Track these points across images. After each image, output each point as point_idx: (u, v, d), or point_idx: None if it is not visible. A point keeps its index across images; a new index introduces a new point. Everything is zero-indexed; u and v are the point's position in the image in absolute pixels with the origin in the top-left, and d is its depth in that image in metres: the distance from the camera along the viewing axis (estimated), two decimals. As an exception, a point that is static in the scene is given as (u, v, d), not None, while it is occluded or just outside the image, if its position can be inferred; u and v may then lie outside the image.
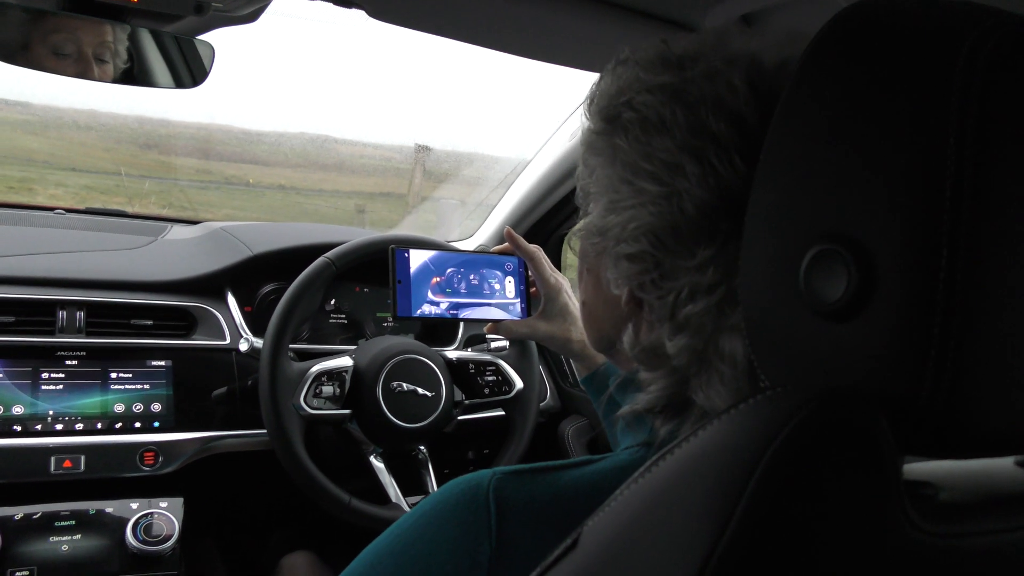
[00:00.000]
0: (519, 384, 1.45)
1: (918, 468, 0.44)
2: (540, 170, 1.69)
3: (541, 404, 1.61)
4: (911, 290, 0.35)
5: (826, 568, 0.35)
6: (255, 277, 1.48)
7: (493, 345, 1.53)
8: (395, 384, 1.32)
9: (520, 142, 1.82)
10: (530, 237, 1.78)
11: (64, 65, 1.18)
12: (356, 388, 1.32)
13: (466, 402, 1.42)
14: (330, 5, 0.96)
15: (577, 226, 0.63)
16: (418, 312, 1.11)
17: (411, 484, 1.38)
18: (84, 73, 1.20)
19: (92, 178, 6.15)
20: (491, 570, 0.55)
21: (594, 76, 0.60)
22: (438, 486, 1.39)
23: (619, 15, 0.90)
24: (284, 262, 1.44)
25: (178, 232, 1.64)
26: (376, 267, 1.12)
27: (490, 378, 1.44)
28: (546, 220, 1.75)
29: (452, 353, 1.45)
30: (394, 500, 1.33)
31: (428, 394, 1.35)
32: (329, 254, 1.32)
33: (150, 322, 1.34)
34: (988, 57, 0.34)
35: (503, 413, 1.47)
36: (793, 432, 0.36)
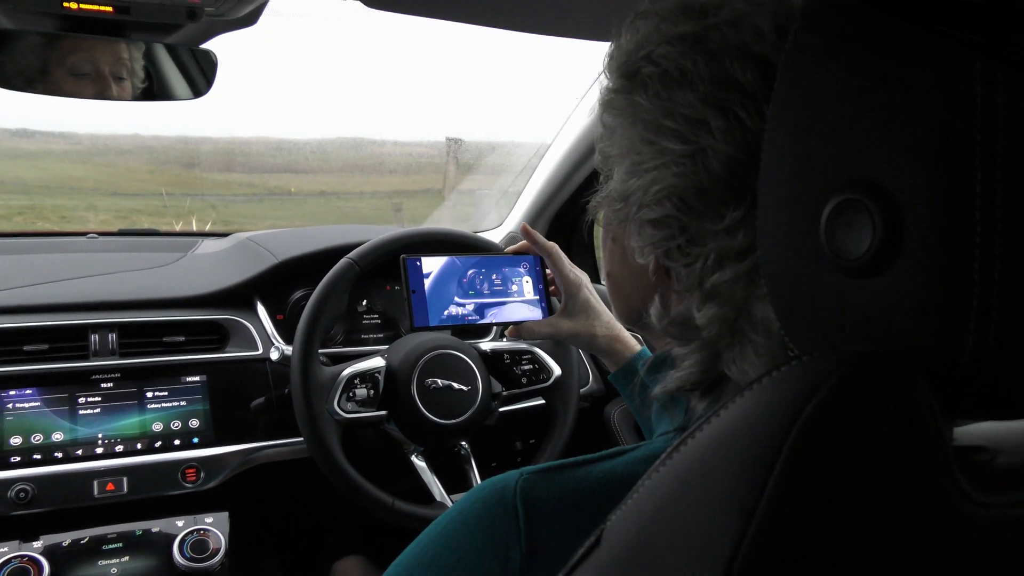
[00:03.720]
0: (557, 371, 1.41)
1: (969, 432, 0.40)
2: (561, 151, 1.66)
3: (583, 389, 1.57)
4: (945, 238, 0.32)
5: (868, 551, 0.32)
6: (283, 284, 1.47)
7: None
8: (430, 381, 1.30)
9: (542, 127, 1.79)
10: (559, 221, 1.75)
11: (82, 86, 1.20)
12: (390, 388, 1.30)
13: (504, 393, 1.39)
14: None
15: (600, 193, 0.59)
16: (440, 319, 1.11)
17: (455, 481, 1.36)
18: (103, 92, 1.22)
19: (137, 201, 6.30)
20: (524, 573, 0.53)
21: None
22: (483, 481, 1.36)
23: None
24: (310, 266, 1.42)
25: (207, 246, 1.64)
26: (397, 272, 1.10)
27: (527, 367, 1.41)
28: (573, 201, 1.71)
29: (486, 345, 1.42)
30: (439, 499, 1.31)
31: (464, 388, 1.32)
32: (351, 254, 1.30)
33: (182, 338, 1.34)
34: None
35: (544, 402, 1.43)
36: (822, 403, 0.33)
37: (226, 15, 1.02)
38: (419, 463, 1.33)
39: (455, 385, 1.32)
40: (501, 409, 1.40)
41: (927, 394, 0.33)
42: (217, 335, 1.38)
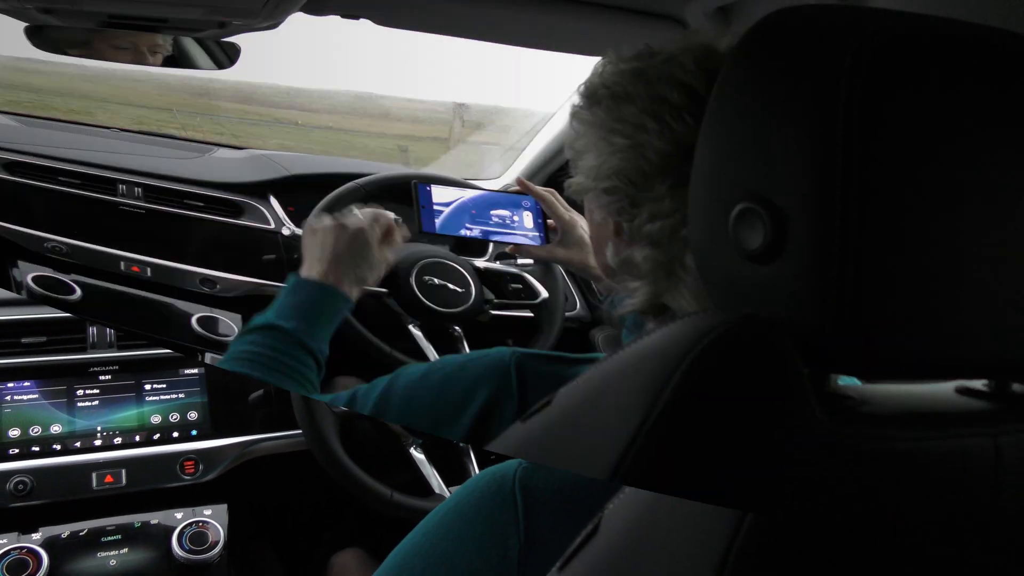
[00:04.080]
0: (544, 293, 1.52)
1: (854, 387, 0.50)
2: (561, 123, 1.77)
3: (570, 313, 1.69)
4: (815, 241, 0.42)
5: (736, 450, 0.42)
6: (295, 190, 1.58)
7: (519, 262, 1.58)
8: (427, 278, 1.39)
9: (548, 100, 1.93)
10: (554, 180, 1.81)
11: (122, 54, 1.35)
12: (391, 279, 1.36)
13: (495, 301, 1.49)
14: (338, 18, 1.04)
15: (573, 178, 0.75)
16: (450, 231, 1.21)
17: (454, 474, 1.37)
18: (139, 60, 1.37)
19: (147, 112, 6.27)
20: (521, 565, 0.56)
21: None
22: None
23: (606, 12, 1.02)
24: (320, 183, 1.49)
25: (225, 153, 1.75)
26: (406, 196, 1.22)
27: (516, 286, 1.53)
28: (566, 167, 1.76)
29: (480, 262, 1.53)
30: (437, 491, 1.31)
31: (459, 290, 1.42)
32: (359, 180, 1.40)
33: (201, 204, 1.46)
34: (872, 55, 0.41)
35: (532, 315, 1.53)
36: (711, 343, 0.43)
37: (251, 26, 1.07)
38: (417, 455, 1.33)
39: (450, 285, 1.42)
40: (492, 312, 1.50)
41: (790, 347, 0.44)
42: (233, 209, 1.50)
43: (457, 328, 1.45)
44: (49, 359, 1.23)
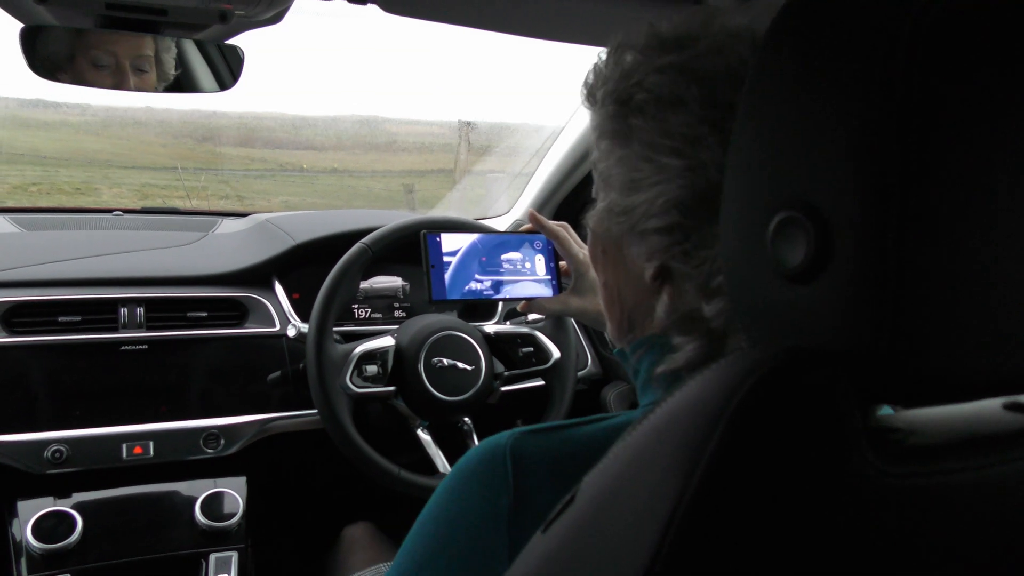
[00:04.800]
0: (556, 354, 1.49)
1: (896, 417, 0.46)
2: (570, 140, 1.72)
3: (581, 372, 1.65)
4: (864, 252, 0.37)
5: (789, 515, 0.38)
6: (300, 265, 1.54)
7: (531, 318, 1.57)
8: (436, 360, 1.38)
9: (556, 111, 1.83)
10: (565, 207, 1.81)
11: (102, 77, 1.26)
12: (399, 366, 1.38)
13: (506, 373, 1.47)
14: (344, 2, 1.00)
15: (597, 208, 0.64)
16: (459, 293, 1.15)
17: (458, 454, 1.44)
18: (120, 84, 1.28)
19: (151, 175, 6.35)
20: (510, 520, 0.59)
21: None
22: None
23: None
24: (326, 249, 1.50)
25: (228, 226, 1.72)
26: (415, 249, 1.17)
27: (527, 349, 1.49)
28: (580, 189, 1.77)
29: (490, 327, 1.50)
30: (442, 470, 1.39)
31: (468, 368, 1.40)
32: (365, 239, 1.38)
33: (205, 314, 1.42)
34: (929, 33, 0.36)
35: (543, 383, 1.51)
36: (752, 389, 0.39)
37: (254, 17, 1.08)
38: (424, 436, 1.41)
39: (460, 365, 1.40)
40: (502, 388, 1.48)
41: (843, 384, 0.39)
42: (237, 312, 1.47)
43: (467, 421, 1.45)
44: (83, 337, 1.31)
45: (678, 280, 0.60)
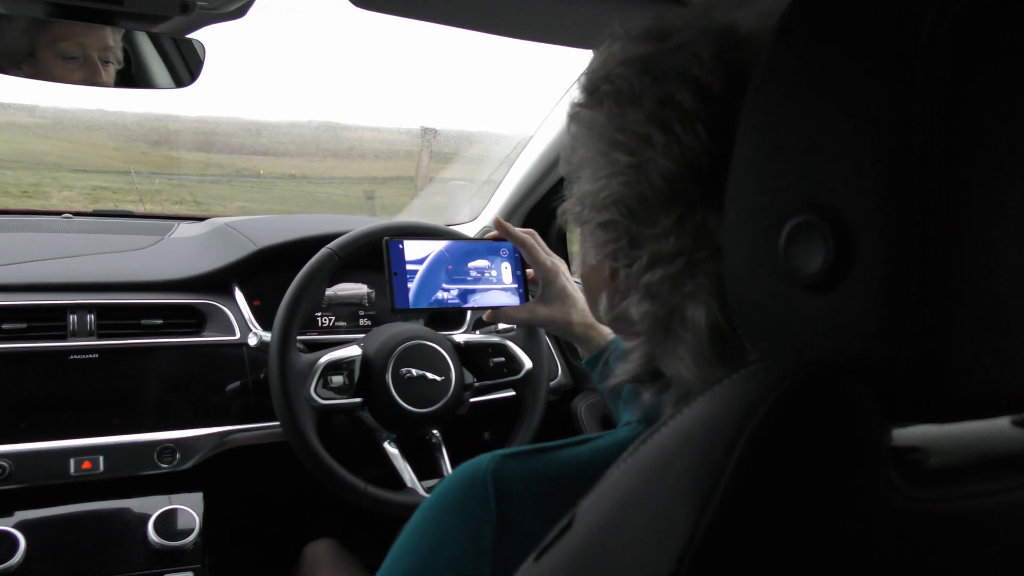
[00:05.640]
0: (528, 364, 1.45)
1: (909, 433, 0.44)
2: (540, 147, 1.69)
3: (552, 382, 1.62)
4: (888, 259, 0.35)
5: (811, 540, 0.36)
6: (261, 271, 1.48)
7: (501, 326, 1.53)
8: (404, 370, 1.33)
9: (524, 119, 1.82)
10: (535, 215, 1.78)
11: (71, 70, 1.21)
12: (366, 376, 1.33)
13: (476, 384, 1.43)
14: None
15: (566, 199, 0.63)
16: (425, 303, 1.12)
17: (426, 468, 1.40)
18: (91, 78, 1.22)
19: (103, 178, 6.20)
20: (494, 553, 0.56)
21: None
22: (452, 468, 1.40)
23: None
24: (289, 254, 1.44)
25: (185, 230, 1.65)
26: (381, 255, 1.13)
27: (499, 359, 1.45)
28: (549, 197, 1.74)
29: (460, 337, 1.45)
30: (409, 485, 1.34)
31: (438, 378, 1.36)
32: (331, 244, 1.33)
33: (160, 321, 1.36)
34: (953, 23, 0.34)
35: (514, 393, 1.47)
36: (772, 408, 0.36)
37: (218, 9, 1.03)
38: (391, 450, 1.36)
39: (428, 375, 1.35)
40: (472, 400, 1.44)
41: (867, 402, 0.37)
42: (195, 319, 1.40)
43: (436, 433, 1.42)
44: (29, 345, 1.24)
45: (617, 279, 0.59)
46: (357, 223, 1.40)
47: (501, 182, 1.85)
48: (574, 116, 0.60)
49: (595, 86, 0.57)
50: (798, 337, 0.40)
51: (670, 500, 0.37)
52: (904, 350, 0.36)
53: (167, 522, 1.23)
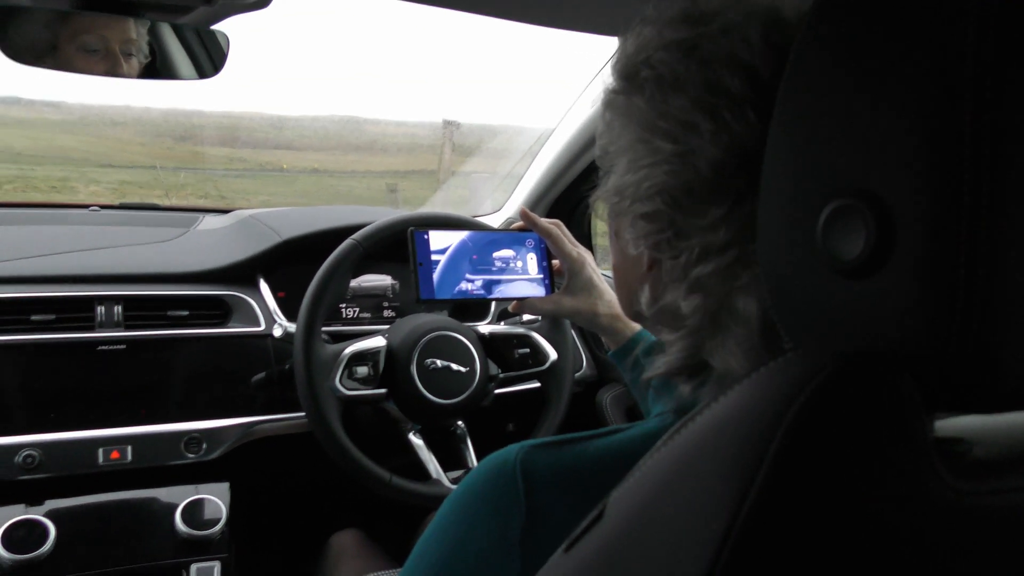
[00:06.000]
0: (553, 355, 1.44)
1: (950, 424, 0.43)
2: (564, 138, 1.67)
3: (577, 374, 1.61)
4: (932, 243, 0.34)
5: (853, 533, 0.35)
6: (286, 262, 1.48)
7: (525, 318, 1.52)
8: (429, 361, 1.33)
9: (546, 111, 1.80)
10: (558, 207, 1.77)
11: (93, 63, 1.21)
12: (391, 367, 1.33)
13: (501, 376, 1.42)
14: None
15: (600, 188, 0.62)
16: (449, 293, 1.11)
17: (451, 459, 1.40)
18: (113, 69, 1.23)
19: (129, 173, 6.28)
20: (523, 544, 0.56)
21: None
22: (478, 460, 1.40)
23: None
24: (314, 246, 1.44)
25: (210, 222, 1.66)
26: (405, 246, 1.12)
27: (523, 351, 1.44)
28: (573, 189, 1.73)
29: (484, 328, 1.45)
30: (434, 476, 1.34)
31: (462, 369, 1.35)
32: (356, 235, 1.32)
33: (186, 312, 1.36)
34: (1004, 4, 0.33)
35: (539, 385, 1.47)
36: (813, 396, 0.35)
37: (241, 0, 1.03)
38: (416, 441, 1.36)
39: (453, 366, 1.35)
40: (496, 391, 1.43)
41: (911, 390, 0.36)
42: (220, 311, 1.40)
43: (460, 424, 1.42)
44: (57, 336, 1.25)
45: (661, 272, 0.57)
46: (381, 214, 1.40)
47: (524, 174, 1.83)
48: (610, 102, 0.58)
49: (633, 71, 0.55)
50: (836, 325, 0.39)
51: (706, 491, 0.36)
52: (950, 338, 0.34)
53: (194, 512, 1.23)
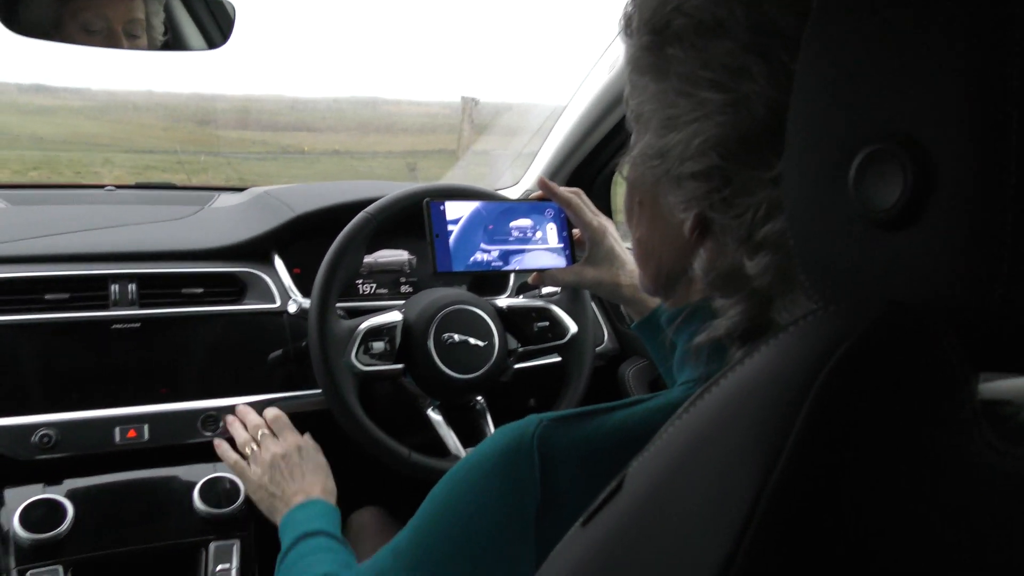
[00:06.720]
0: (573, 328, 1.41)
1: (994, 386, 0.39)
2: (581, 108, 1.63)
3: (598, 347, 1.58)
4: (976, 187, 0.32)
5: (890, 500, 0.32)
6: (301, 238, 1.46)
7: (544, 291, 1.49)
8: (446, 336, 1.30)
9: (563, 87, 1.77)
10: (578, 178, 1.73)
11: (94, 41, 1.21)
12: (407, 342, 1.31)
13: (520, 350, 1.39)
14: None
15: (631, 153, 0.58)
16: (464, 264, 1.08)
17: (470, 435, 1.37)
18: (113, 45, 1.22)
19: (152, 158, 6.32)
20: (538, 521, 0.55)
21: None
22: (498, 435, 1.38)
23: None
24: (328, 220, 1.42)
25: (224, 200, 1.65)
26: (421, 220, 1.10)
27: (543, 324, 1.41)
28: (590, 160, 1.69)
29: (503, 301, 1.42)
30: (454, 452, 1.32)
31: (480, 344, 1.33)
32: (369, 208, 1.30)
33: (200, 290, 1.35)
34: None
35: (560, 359, 1.44)
36: (848, 353, 0.33)
37: None
38: (435, 417, 1.34)
39: (471, 340, 1.32)
40: (516, 366, 1.41)
41: (956, 346, 0.33)
42: (235, 287, 1.39)
43: (480, 400, 1.40)
44: (72, 315, 1.24)
45: (717, 233, 0.53)
46: (394, 188, 1.37)
47: (538, 151, 1.80)
48: (638, 61, 0.54)
49: (664, 22, 0.51)
50: (870, 279, 0.36)
51: (731, 459, 0.34)
52: (995, 290, 0.32)
53: (212, 490, 1.22)
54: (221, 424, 1.28)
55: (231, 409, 1.29)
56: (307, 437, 1.17)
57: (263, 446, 1.14)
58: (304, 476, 1.09)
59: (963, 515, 0.33)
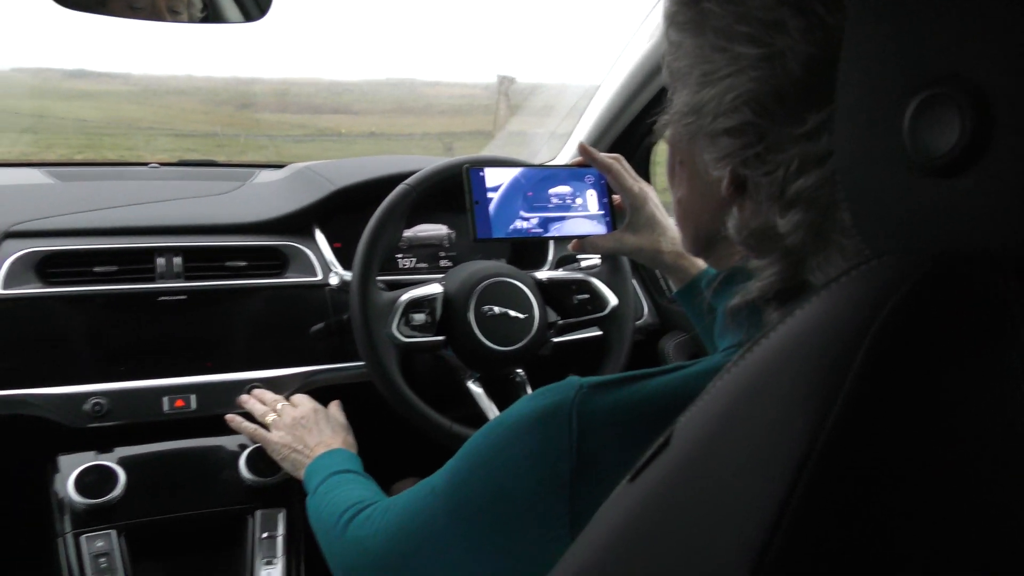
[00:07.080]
0: (613, 301, 1.41)
1: None
2: (620, 79, 1.61)
3: (638, 321, 1.57)
4: None
5: (948, 457, 0.31)
6: (341, 211, 1.47)
7: (584, 264, 1.49)
8: (486, 308, 1.31)
9: (598, 66, 1.75)
10: (618, 147, 1.72)
11: (138, 15, 1.22)
12: (448, 314, 1.31)
13: (560, 322, 1.39)
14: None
15: (668, 111, 0.58)
16: (504, 231, 1.08)
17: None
18: (156, 18, 1.24)
19: (193, 141, 6.40)
20: (573, 485, 0.55)
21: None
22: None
23: None
24: (368, 193, 1.43)
25: (265, 176, 1.66)
26: (460, 193, 1.10)
27: (583, 296, 1.41)
28: (631, 129, 1.67)
29: (542, 274, 1.42)
30: (495, 424, 1.33)
31: (521, 316, 1.33)
32: (408, 180, 1.30)
33: (244, 263, 1.36)
34: None
35: (600, 332, 1.44)
36: (904, 301, 0.32)
37: None
38: (475, 389, 1.35)
39: (511, 313, 1.32)
40: (556, 339, 1.41)
41: (1017, 294, 0.32)
42: (277, 261, 1.40)
43: (520, 372, 1.39)
44: (119, 287, 1.26)
45: (751, 191, 0.52)
46: (433, 162, 1.38)
47: (573, 129, 1.78)
48: (674, 16, 0.54)
49: None
50: (925, 228, 0.35)
51: (783, 411, 0.33)
52: None
53: (258, 460, 1.24)
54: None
55: (275, 380, 1.32)
56: (332, 405, 1.20)
57: (282, 413, 1.17)
58: (323, 432, 1.13)
59: (1018, 469, 0.32)
